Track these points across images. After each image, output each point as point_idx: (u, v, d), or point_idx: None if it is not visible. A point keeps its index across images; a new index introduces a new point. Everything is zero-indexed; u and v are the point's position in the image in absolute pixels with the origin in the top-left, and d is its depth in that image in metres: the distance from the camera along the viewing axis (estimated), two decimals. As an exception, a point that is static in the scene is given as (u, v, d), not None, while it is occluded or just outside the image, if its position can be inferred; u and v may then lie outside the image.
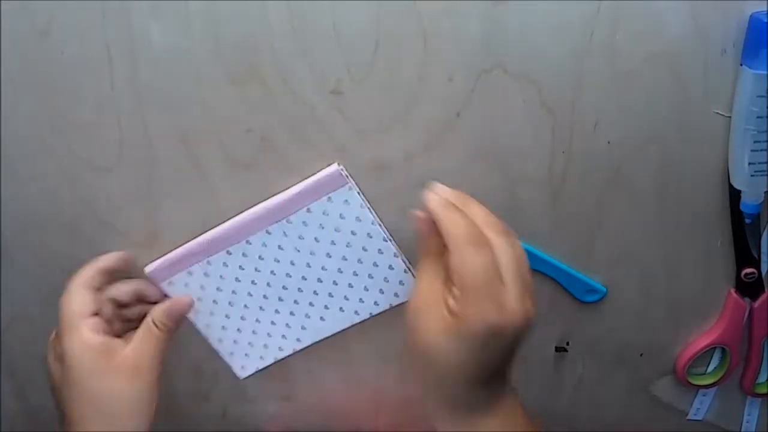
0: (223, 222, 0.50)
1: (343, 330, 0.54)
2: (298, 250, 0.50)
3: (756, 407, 0.62)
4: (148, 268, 0.52)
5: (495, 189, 0.50)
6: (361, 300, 0.52)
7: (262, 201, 0.50)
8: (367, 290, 0.52)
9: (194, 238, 0.51)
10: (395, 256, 0.50)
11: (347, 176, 0.48)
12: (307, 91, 0.46)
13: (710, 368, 0.59)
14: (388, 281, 0.51)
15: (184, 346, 0.57)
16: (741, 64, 0.44)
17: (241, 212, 0.50)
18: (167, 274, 0.52)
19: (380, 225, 0.49)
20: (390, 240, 0.50)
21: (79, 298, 0.48)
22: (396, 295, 0.51)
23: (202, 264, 0.51)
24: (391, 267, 0.50)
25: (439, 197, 0.43)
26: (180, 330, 0.55)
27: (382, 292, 0.52)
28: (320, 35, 0.44)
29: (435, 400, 0.44)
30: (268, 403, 0.61)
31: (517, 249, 0.42)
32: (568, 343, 0.58)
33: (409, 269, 0.51)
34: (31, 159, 0.49)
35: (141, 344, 0.49)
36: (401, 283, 0.51)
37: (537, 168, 0.49)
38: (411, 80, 0.46)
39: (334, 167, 0.47)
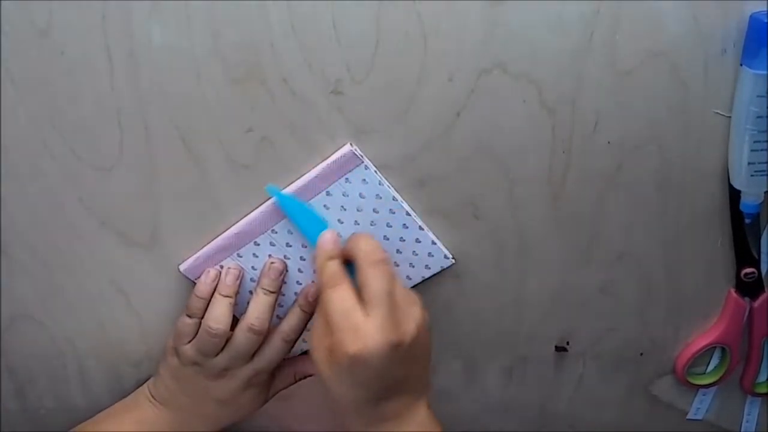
0: (245, 214, 0.51)
1: None
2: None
3: (756, 407, 0.62)
4: (183, 266, 0.52)
5: (495, 189, 0.50)
6: (408, 271, 0.52)
7: (263, 200, 0.50)
8: (398, 266, 0.52)
9: (221, 233, 0.51)
10: (420, 228, 0.50)
11: (361, 156, 0.48)
12: (307, 91, 0.46)
13: (710, 368, 0.59)
14: (416, 254, 0.51)
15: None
16: (741, 64, 0.44)
17: (258, 205, 0.50)
18: (201, 270, 0.52)
19: (401, 200, 0.49)
20: (413, 214, 0.50)
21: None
22: (427, 267, 0.52)
23: (233, 257, 0.52)
24: (417, 240, 0.51)
25: (322, 248, 0.47)
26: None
27: (413, 266, 0.52)
28: (320, 35, 0.44)
29: (343, 418, 0.48)
30: (268, 403, 0.61)
31: (384, 277, 0.45)
32: (568, 343, 0.58)
33: (437, 241, 0.51)
34: (31, 159, 0.49)
35: None
36: (430, 254, 0.51)
37: (537, 168, 0.49)
38: (411, 80, 0.46)
39: (347, 147, 0.48)
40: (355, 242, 0.47)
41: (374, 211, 0.50)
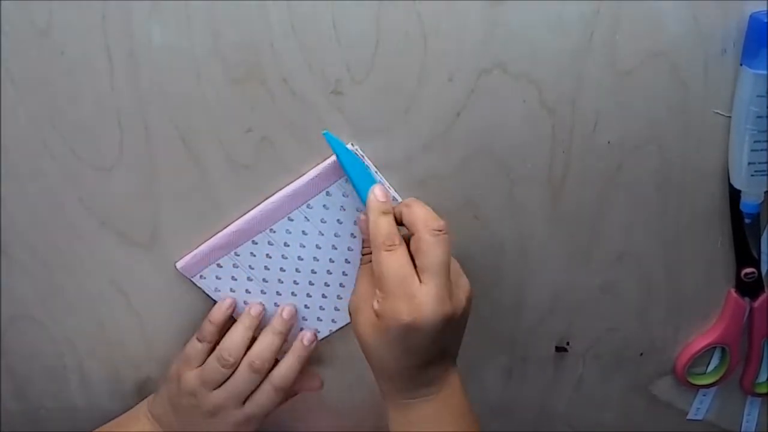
0: (245, 213, 0.50)
1: None
2: (322, 234, 0.51)
3: (756, 407, 0.62)
4: (179, 264, 0.52)
5: (495, 189, 0.50)
6: None
7: (263, 199, 0.50)
8: None
9: (219, 231, 0.51)
10: None
11: (363, 155, 0.48)
12: (307, 91, 0.46)
13: (710, 368, 0.59)
14: None
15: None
16: (741, 64, 0.44)
17: (257, 205, 0.50)
18: (198, 269, 0.52)
19: (401, 200, 0.49)
20: None
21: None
22: None
23: (231, 256, 0.52)
24: None
25: (375, 201, 0.46)
26: (181, 329, 0.55)
27: None
28: (320, 35, 0.44)
29: (381, 384, 0.48)
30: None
31: (443, 247, 0.44)
32: (568, 343, 0.58)
33: None
34: (31, 159, 0.49)
35: None
36: None
37: (537, 168, 0.49)
38: (411, 80, 0.46)
39: (349, 147, 0.48)
40: (410, 208, 0.46)
41: None
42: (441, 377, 0.47)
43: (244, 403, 0.52)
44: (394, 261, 0.44)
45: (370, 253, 0.46)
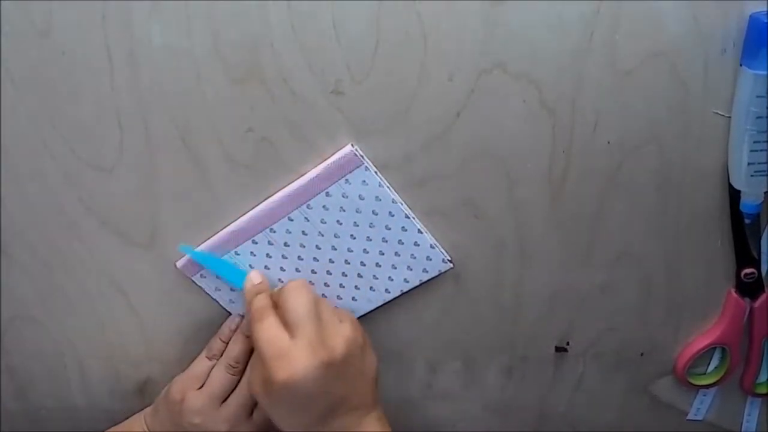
0: (245, 213, 0.50)
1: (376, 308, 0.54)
2: (322, 234, 0.51)
3: (756, 407, 0.62)
4: (179, 262, 0.52)
5: (495, 189, 0.50)
6: (390, 278, 0.52)
7: (264, 199, 0.50)
8: (395, 268, 0.52)
9: (219, 230, 0.51)
10: (419, 232, 0.50)
11: (362, 156, 0.48)
12: (307, 91, 0.46)
13: (710, 368, 0.59)
14: (415, 258, 0.51)
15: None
16: (741, 64, 0.44)
17: (258, 204, 0.50)
18: (198, 267, 0.52)
19: (401, 203, 0.49)
20: (412, 217, 0.50)
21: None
22: (425, 270, 0.52)
23: (230, 255, 0.52)
24: (416, 243, 0.51)
25: (250, 284, 0.50)
26: (181, 329, 0.55)
27: (411, 269, 0.52)
28: (320, 35, 0.44)
29: None
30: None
31: (302, 295, 0.47)
32: (568, 343, 0.58)
33: (436, 245, 0.51)
34: (31, 159, 0.49)
35: None
36: (428, 258, 0.51)
37: (537, 168, 0.49)
38: (411, 80, 0.46)
39: (348, 148, 0.48)
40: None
41: (373, 213, 0.50)
42: (349, 429, 0.46)
43: (251, 414, 0.52)
44: (263, 327, 0.46)
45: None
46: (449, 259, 0.52)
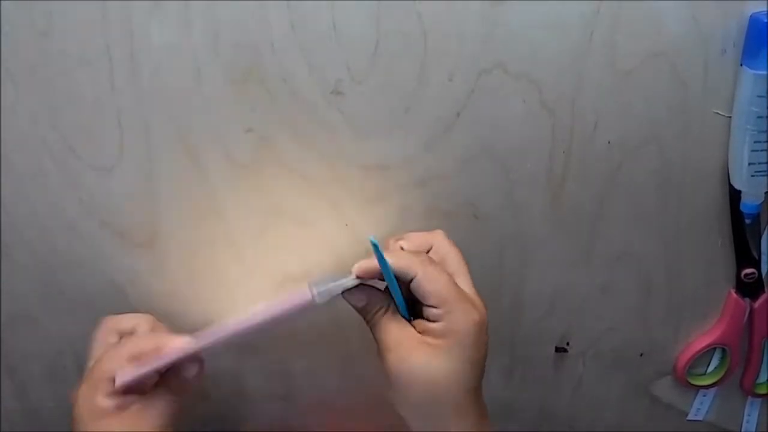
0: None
1: None
2: None
3: (756, 407, 0.62)
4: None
5: (495, 189, 0.50)
6: None
7: (264, 198, 0.50)
8: None
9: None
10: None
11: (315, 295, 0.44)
12: (307, 91, 0.46)
13: (710, 368, 0.59)
14: None
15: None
16: (741, 64, 0.44)
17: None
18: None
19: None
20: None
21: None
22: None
23: None
24: None
25: (392, 247, 0.46)
26: (179, 329, 0.55)
27: None
28: (320, 35, 0.44)
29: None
30: (268, 403, 0.61)
31: (441, 276, 0.44)
32: (568, 343, 0.58)
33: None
34: (31, 159, 0.49)
35: None
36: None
37: (537, 168, 0.49)
38: (411, 80, 0.46)
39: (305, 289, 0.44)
40: (404, 240, 0.46)
41: None
42: (485, 414, 0.46)
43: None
44: (445, 275, 0.43)
45: (377, 313, 0.45)
46: None
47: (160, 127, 0.47)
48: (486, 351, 0.45)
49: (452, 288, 0.43)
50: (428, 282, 0.43)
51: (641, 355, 0.58)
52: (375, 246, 0.42)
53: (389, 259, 0.43)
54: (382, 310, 0.45)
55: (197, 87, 0.46)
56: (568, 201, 0.50)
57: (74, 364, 0.58)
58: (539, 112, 0.47)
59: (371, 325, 0.46)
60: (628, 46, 0.44)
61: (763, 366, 0.58)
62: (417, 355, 0.43)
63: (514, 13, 0.43)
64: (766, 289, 0.54)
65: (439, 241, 0.46)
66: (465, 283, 0.45)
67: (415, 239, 0.46)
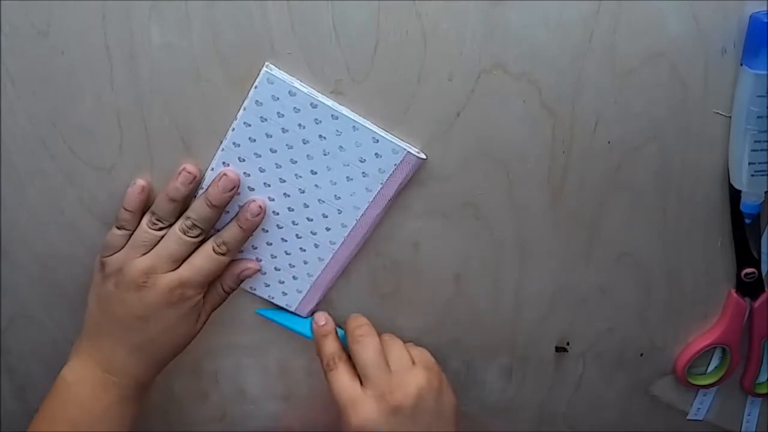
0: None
1: (367, 212, 0.50)
2: (279, 166, 0.48)
3: (756, 407, 0.62)
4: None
5: (495, 189, 0.50)
6: (365, 181, 0.49)
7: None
8: (351, 180, 0.48)
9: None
10: (354, 129, 0.47)
11: (271, 73, 0.45)
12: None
13: (710, 368, 0.59)
14: (364, 161, 0.48)
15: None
16: (741, 64, 0.44)
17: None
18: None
19: (324, 103, 0.46)
20: (341, 115, 0.46)
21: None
22: (380, 170, 0.48)
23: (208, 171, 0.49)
24: (357, 144, 0.47)
25: (316, 326, 0.54)
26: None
27: (366, 175, 0.48)
28: (320, 35, 0.44)
29: None
30: (268, 403, 0.61)
31: (366, 349, 0.50)
32: (568, 343, 0.58)
33: (379, 137, 0.47)
34: (31, 159, 0.49)
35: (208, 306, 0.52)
36: (377, 155, 0.47)
37: (537, 168, 0.49)
38: (411, 80, 0.46)
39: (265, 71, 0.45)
40: (346, 321, 0.53)
41: (300, 126, 0.47)
42: None
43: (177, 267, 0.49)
44: (335, 378, 0.50)
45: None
46: (404, 146, 0.47)
47: (160, 127, 0.47)
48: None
49: (341, 393, 0.49)
50: (328, 382, 0.50)
51: (641, 355, 0.58)
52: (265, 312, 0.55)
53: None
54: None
55: (197, 87, 0.46)
56: (568, 201, 0.50)
57: (74, 364, 0.58)
58: (539, 112, 0.47)
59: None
60: (628, 46, 0.44)
61: (763, 366, 0.58)
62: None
63: (514, 13, 0.43)
64: (766, 289, 0.54)
65: (352, 343, 0.51)
66: (367, 385, 0.49)
67: (346, 325, 0.53)
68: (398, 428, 0.47)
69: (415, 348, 0.53)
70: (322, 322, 0.53)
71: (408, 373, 0.49)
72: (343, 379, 0.49)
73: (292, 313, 0.55)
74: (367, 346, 0.50)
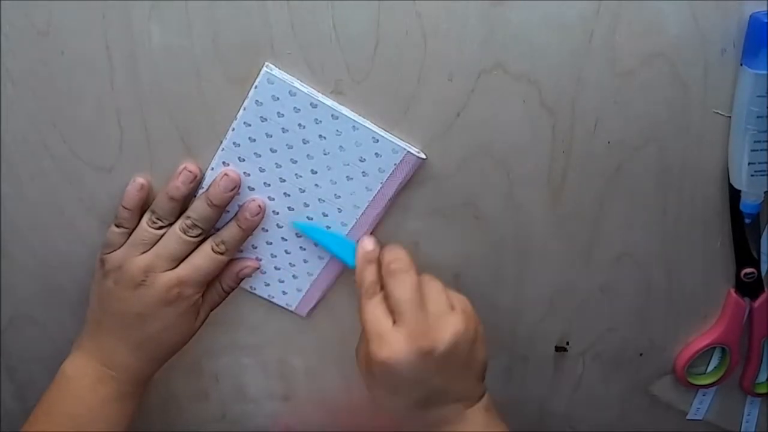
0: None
1: (367, 211, 0.50)
2: (279, 166, 0.48)
3: (756, 407, 0.62)
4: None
5: (495, 189, 0.50)
6: (365, 181, 0.49)
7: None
8: (351, 179, 0.49)
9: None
10: (354, 129, 0.47)
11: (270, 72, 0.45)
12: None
13: (710, 368, 0.59)
14: (364, 160, 0.48)
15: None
16: (741, 64, 0.44)
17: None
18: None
19: (324, 103, 0.46)
20: (341, 115, 0.46)
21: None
22: (380, 170, 0.48)
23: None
24: (357, 143, 0.47)
25: (362, 251, 0.49)
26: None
27: (366, 174, 0.48)
28: (320, 35, 0.44)
29: (395, 421, 0.48)
30: (268, 403, 0.61)
31: (403, 285, 0.46)
32: (568, 343, 0.58)
33: (379, 136, 0.47)
34: (31, 159, 0.49)
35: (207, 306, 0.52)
36: (377, 155, 0.48)
37: (537, 168, 0.49)
38: (411, 80, 0.46)
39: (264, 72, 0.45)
40: (381, 252, 0.48)
41: (300, 126, 0.47)
42: (450, 420, 0.47)
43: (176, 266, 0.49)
44: (369, 307, 0.46)
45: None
46: (404, 145, 0.47)
47: (160, 127, 0.47)
48: (405, 395, 0.46)
49: (371, 323, 0.46)
50: (359, 311, 0.47)
51: (641, 355, 0.58)
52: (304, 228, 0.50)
53: None
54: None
55: (197, 87, 0.46)
56: (568, 201, 0.50)
57: (74, 364, 0.58)
58: (539, 112, 0.47)
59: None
60: (628, 46, 0.44)
61: (763, 365, 0.58)
62: (358, 361, 0.48)
63: (514, 13, 0.43)
64: (765, 289, 0.54)
65: (388, 277, 0.48)
66: (399, 322, 0.45)
67: (383, 257, 0.49)
68: (422, 374, 0.44)
69: (456, 294, 0.48)
70: (371, 248, 0.48)
71: (446, 316, 0.46)
72: (377, 311, 0.46)
73: (332, 233, 0.51)
74: (403, 282, 0.46)
